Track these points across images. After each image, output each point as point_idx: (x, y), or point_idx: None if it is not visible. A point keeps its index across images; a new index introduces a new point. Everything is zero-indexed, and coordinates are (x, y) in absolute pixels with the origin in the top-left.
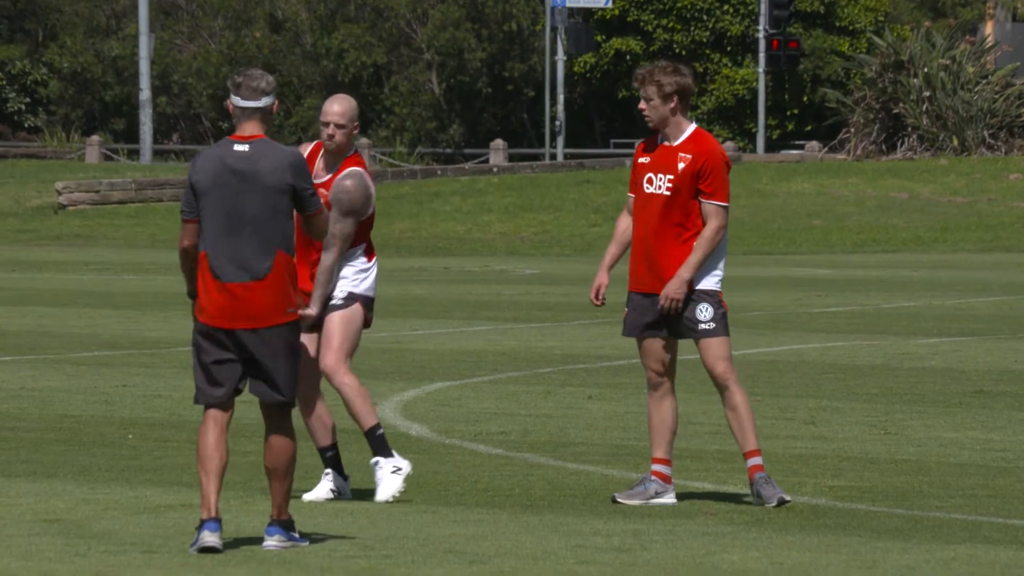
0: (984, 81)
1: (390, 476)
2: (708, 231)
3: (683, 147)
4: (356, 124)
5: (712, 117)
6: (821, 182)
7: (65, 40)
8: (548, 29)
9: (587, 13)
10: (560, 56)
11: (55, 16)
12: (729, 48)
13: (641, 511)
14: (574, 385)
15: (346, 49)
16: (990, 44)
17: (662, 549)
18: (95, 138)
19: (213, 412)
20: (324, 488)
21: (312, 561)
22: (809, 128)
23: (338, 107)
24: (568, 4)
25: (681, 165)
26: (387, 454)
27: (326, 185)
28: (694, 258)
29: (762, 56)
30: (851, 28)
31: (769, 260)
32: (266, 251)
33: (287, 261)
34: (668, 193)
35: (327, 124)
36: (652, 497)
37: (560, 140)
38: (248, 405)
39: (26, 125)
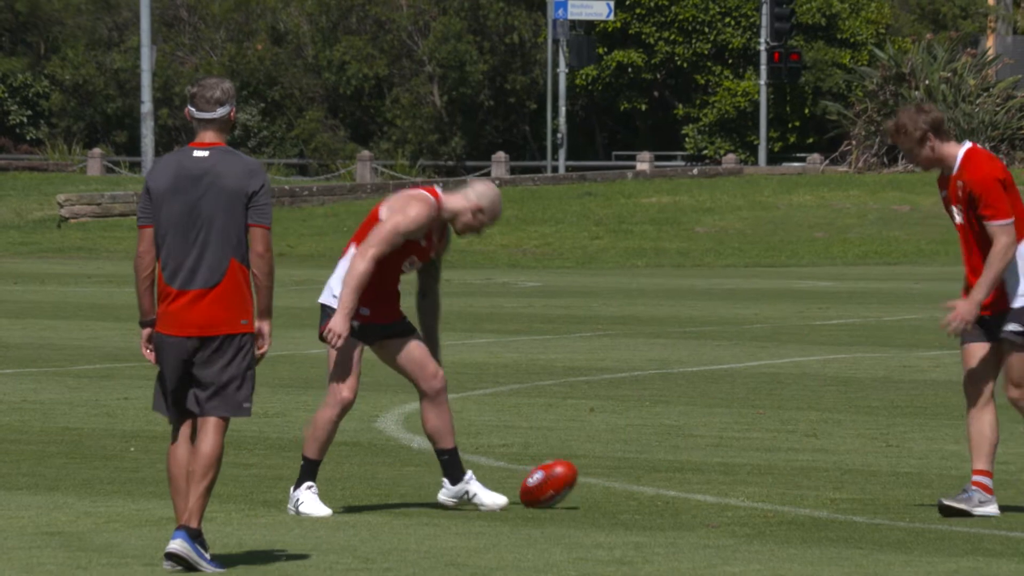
0: (985, 94)
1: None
2: (995, 249)
3: (959, 175)
4: None
5: (714, 129)
6: (823, 194)
7: (67, 52)
8: (550, 41)
9: (589, 26)
10: (562, 68)
11: (57, 29)
12: (731, 60)
13: (641, 523)
14: (576, 397)
15: (348, 61)
16: (991, 57)
17: (664, 562)
18: (97, 150)
19: (182, 429)
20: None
21: (313, 574)
22: (811, 140)
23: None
24: (570, 16)
25: (960, 194)
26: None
27: (424, 251)
28: (986, 279)
29: (763, 68)
30: (852, 41)
31: (771, 272)
32: (220, 258)
33: (242, 270)
34: (964, 222)
35: (492, 222)
36: (976, 506)
37: (562, 152)
38: (247, 419)
39: (28, 138)
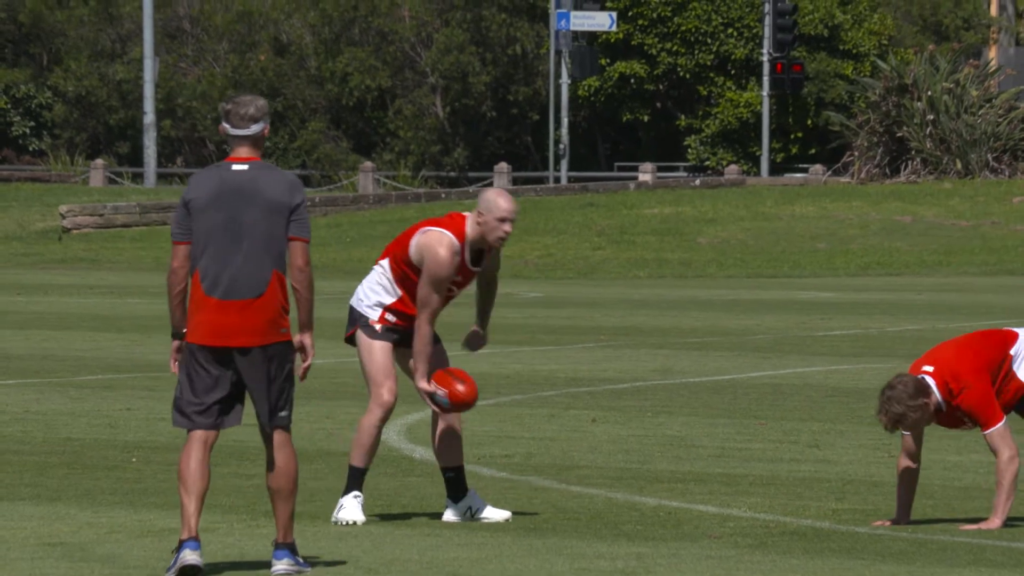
0: (988, 105)
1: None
2: (999, 463)
3: (956, 407)
4: None
5: (716, 140)
6: (825, 205)
7: (70, 64)
8: (552, 53)
9: (591, 37)
10: (564, 79)
11: (60, 40)
12: (733, 72)
13: (644, 534)
14: (578, 408)
15: (350, 73)
16: (993, 68)
17: (666, 572)
18: (99, 161)
19: (199, 434)
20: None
21: None
22: (813, 151)
23: (512, 205)
24: (572, 28)
25: (966, 419)
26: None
27: (473, 274)
28: (1001, 499)
29: (766, 79)
30: (855, 52)
31: (773, 283)
32: (263, 268)
33: (281, 281)
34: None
35: (504, 220)
36: None
37: (564, 163)
38: (250, 429)
39: (31, 148)
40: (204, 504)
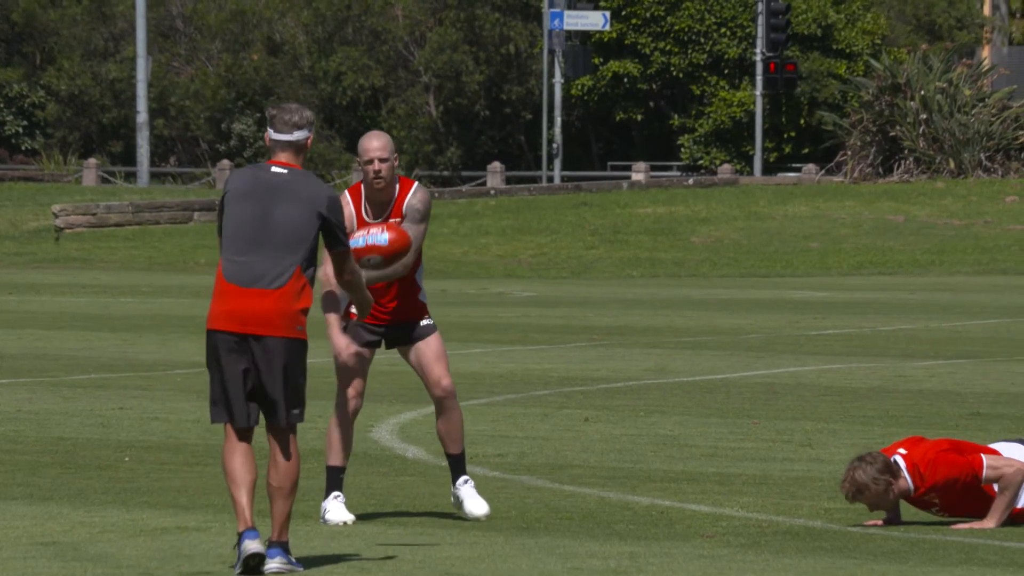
0: (981, 104)
1: (475, 492)
2: (1005, 479)
3: (925, 491)
4: (396, 157)
5: (709, 139)
6: (818, 205)
7: (63, 63)
8: (546, 52)
9: (585, 36)
10: (557, 79)
11: (53, 39)
12: (726, 71)
13: (636, 533)
14: (571, 407)
15: (344, 72)
16: (987, 67)
17: (658, 571)
18: (92, 161)
19: (237, 429)
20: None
21: None
22: (806, 151)
23: (377, 142)
24: (566, 27)
25: (937, 500)
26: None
27: (385, 226)
28: (1001, 503)
29: (759, 79)
30: (848, 51)
31: (766, 283)
32: (287, 263)
33: (302, 280)
34: (947, 507)
35: (370, 162)
36: None
37: (557, 162)
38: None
39: (23, 148)
40: (196, 504)
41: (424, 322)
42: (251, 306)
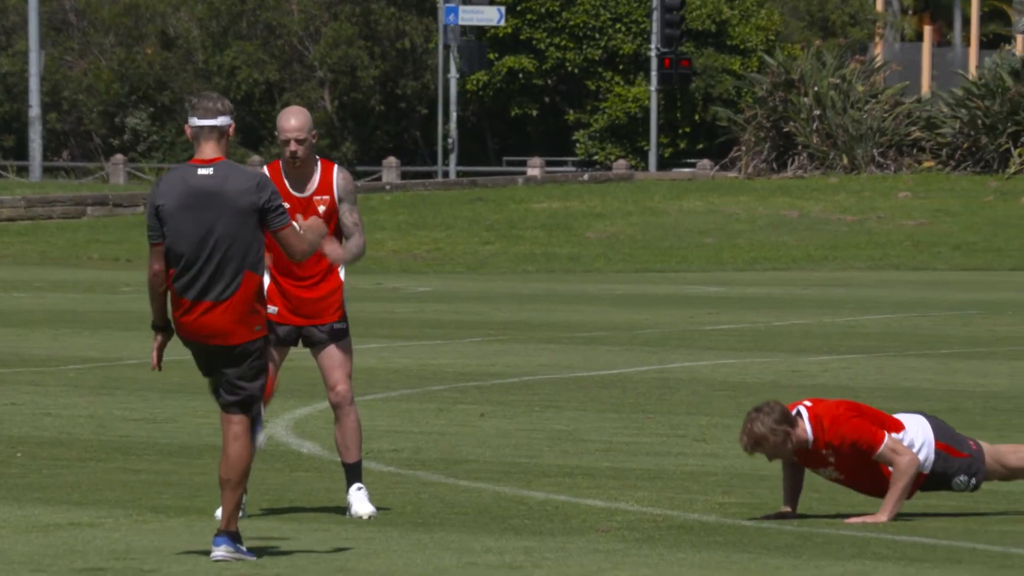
0: (873, 100)
1: (365, 497)
2: (898, 468)
3: (821, 443)
4: (315, 133)
5: (605, 135)
6: (712, 200)
7: None
8: (441, 47)
9: (480, 31)
10: (453, 74)
11: None
12: (621, 67)
13: (531, 528)
14: (466, 403)
15: (238, 66)
16: (879, 63)
17: (553, 566)
18: None
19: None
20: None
21: None
22: (701, 146)
23: (295, 122)
24: (461, 22)
25: (832, 458)
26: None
27: (306, 201)
28: (893, 497)
29: (654, 75)
30: (742, 47)
31: (660, 278)
32: (234, 272)
33: (254, 280)
34: (845, 476)
35: (287, 142)
36: None
37: (453, 158)
38: (136, 424)
39: None
40: (89, 499)
41: (338, 325)
42: (204, 320)
